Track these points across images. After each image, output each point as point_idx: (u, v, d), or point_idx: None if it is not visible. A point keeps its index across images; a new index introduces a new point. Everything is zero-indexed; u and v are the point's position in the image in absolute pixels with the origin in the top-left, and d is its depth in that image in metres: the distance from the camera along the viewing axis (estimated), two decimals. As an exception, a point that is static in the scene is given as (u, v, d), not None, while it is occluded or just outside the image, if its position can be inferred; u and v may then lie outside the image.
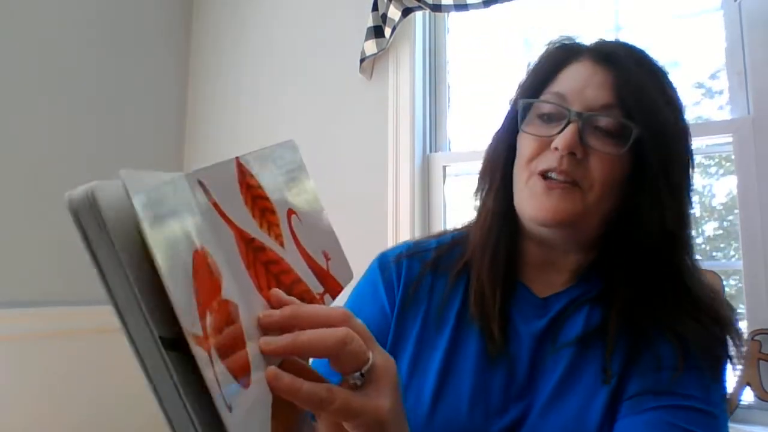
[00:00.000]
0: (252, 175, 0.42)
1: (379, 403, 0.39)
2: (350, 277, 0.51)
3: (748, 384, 1.19)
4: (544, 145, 0.63)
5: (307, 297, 0.44)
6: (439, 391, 0.65)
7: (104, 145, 1.86)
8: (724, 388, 0.62)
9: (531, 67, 0.71)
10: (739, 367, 0.62)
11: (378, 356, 0.40)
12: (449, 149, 1.71)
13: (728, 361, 0.62)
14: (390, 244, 1.61)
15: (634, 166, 0.62)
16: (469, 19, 1.73)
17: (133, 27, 1.97)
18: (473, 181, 0.74)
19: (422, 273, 0.72)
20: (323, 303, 0.46)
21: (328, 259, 0.48)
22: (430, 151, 1.71)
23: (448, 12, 1.59)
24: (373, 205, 1.69)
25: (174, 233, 0.31)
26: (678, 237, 0.64)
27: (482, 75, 1.73)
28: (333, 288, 0.47)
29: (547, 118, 0.64)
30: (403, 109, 1.67)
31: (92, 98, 1.83)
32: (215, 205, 0.37)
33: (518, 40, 1.67)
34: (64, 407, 1.69)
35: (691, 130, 0.67)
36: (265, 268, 0.40)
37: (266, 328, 0.38)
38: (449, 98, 1.74)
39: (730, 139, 1.30)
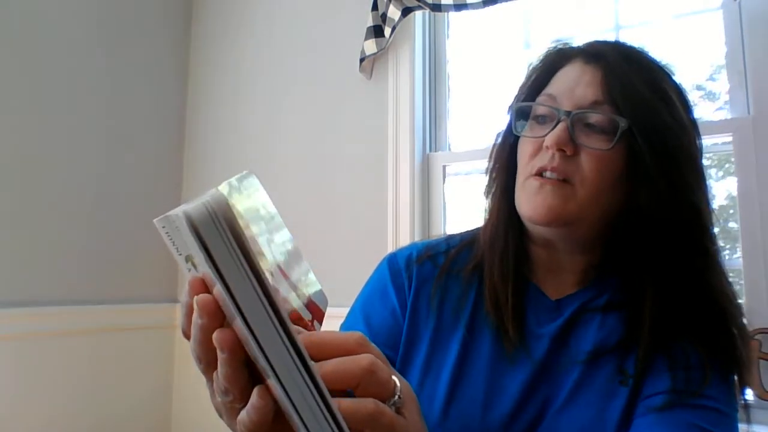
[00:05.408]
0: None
1: (418, 427, 0.38)
2: (327, 301, 0.50)
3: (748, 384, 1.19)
4: (539, 145, 0.64)
5: (302, 325, 0.44)
6: (453, 393, 0.64)
7: (104, 145, 1.86)
8: (734, 387, 0.62)
9: (528, 71, 0.71)
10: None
11: (400, 380, 0.39)
12: (449, 149, 1.71)
13: (742, 364, 0.62)
14: (390, 243, 1.61)
15: (630, 163, 0.62)
16: (469, 18, 1.73)
17: (133, 27, 1.97)
18: (473, 181, 0.74)
19: (434, 275, 0.72)
20: (314, 330, 0.45)
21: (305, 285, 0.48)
22: (430, 150, 1.71)
23: (448, 12, 1.59)
24: (373, 204, 1.69)
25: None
26: (687, 235, 0.62)
27: (482, 75, 1.73)
28: (317, 314, 0.47)
29: (542, 120, 0.65)
30: (402, 108, 1.67)
31: (92, 99, 1.83)
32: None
33: (518, 40, 1.67)
34: (65, 407, 1.69)
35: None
36: None
37: None
38: (449, 98, 1.74)
39: (730, 139, 1.29)
